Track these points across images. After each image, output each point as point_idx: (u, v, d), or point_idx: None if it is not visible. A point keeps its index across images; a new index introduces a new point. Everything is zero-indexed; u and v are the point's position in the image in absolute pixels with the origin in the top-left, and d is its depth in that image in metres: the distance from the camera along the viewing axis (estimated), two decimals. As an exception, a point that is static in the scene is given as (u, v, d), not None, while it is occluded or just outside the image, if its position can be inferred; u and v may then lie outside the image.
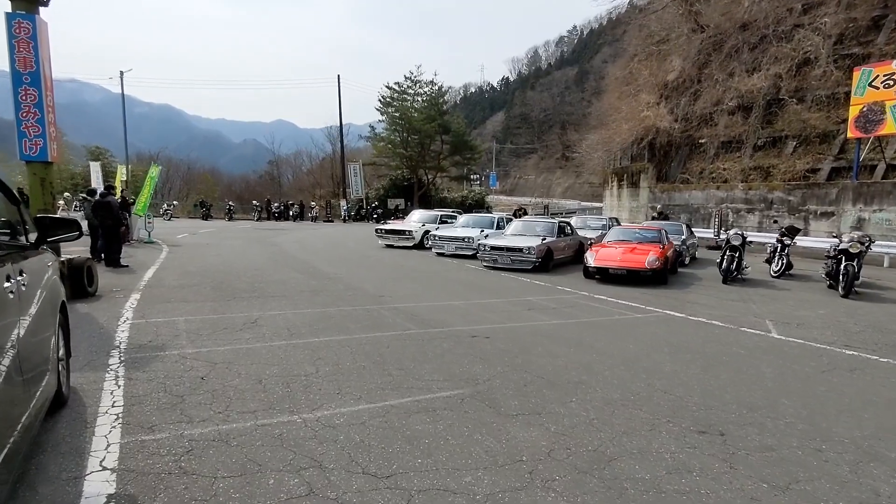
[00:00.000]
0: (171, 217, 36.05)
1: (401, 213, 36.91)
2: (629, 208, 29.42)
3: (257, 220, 37.14)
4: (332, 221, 38.63)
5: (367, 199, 43.26)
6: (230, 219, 37.13)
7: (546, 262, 13.31)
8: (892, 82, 17.87)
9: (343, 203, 41.32)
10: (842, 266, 10.54)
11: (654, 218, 21.44)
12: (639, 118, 29.76)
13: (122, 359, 5.26)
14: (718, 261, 12.53)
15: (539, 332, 6.89)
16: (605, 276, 11.74)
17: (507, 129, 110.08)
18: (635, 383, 4.89)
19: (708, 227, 22.53)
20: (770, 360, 5.89)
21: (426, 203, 41.30)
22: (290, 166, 72.77)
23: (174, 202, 42.30)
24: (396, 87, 45.58)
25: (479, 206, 43.93)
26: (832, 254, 11.26)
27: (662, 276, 11.52)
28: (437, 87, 46.30)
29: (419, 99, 45.95)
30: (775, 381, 5.11)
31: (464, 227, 17.89)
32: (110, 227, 12.47)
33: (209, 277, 10.83)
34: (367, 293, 9.47)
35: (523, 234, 14.55)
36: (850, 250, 10.47)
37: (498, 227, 17.25)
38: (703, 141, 27.39)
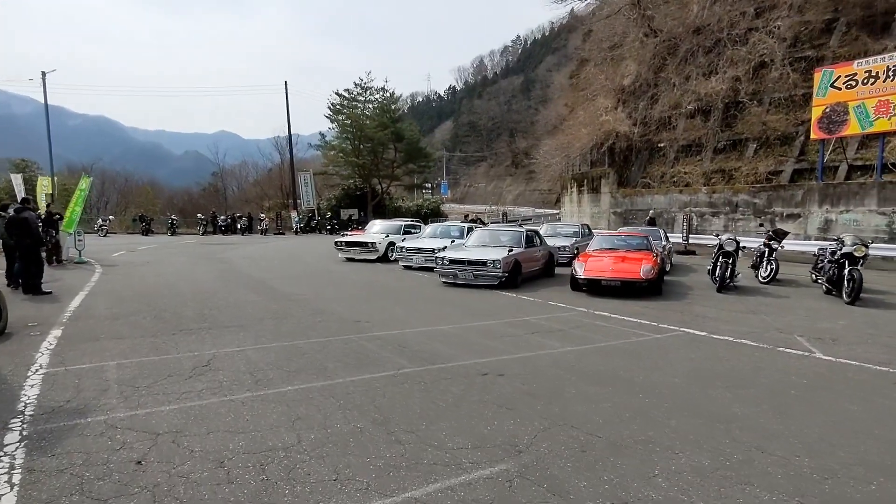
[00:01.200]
0: (107, 233, 33.24)
1: (356, 224, 35.40)
2: (590, 214, 28.90)
3: (203, 235, 34.80)
4: (283, 234, 36.72)
5: (318, 210, 41.49)
6: (173, 234, 34.73)
7: (514, 277, 11.75)
8: (853, 83, 17.84)
9: (294, 214, 39.43)
10: (846, 271, 9.93)
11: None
12: (597, 123, 29.41)
13: (24, 434, 3.82)
14: (710, 268, 11.85)
15: (559, 363, 5.77)
16: (594, 288, 10.78)
17: (455, 138, 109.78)
18: (717, 439, 3.81)
19: (672, 232, 22.12)
20: (843, 391, 4.96)
21: (381, 213, 39.96)
22: (235, 178, 70.00)
23: (110, 217, 39.25)
24: (346, 94, 44.07)
25: (435, 214, 42.79)
26: (831, 258, 10.66)
27: (657, 286, 10.68)
28: (388, 94, 45.04)
29: (370, 106, 44.61)
30: (877, 424, 4.14)
31: (431, 237, 16.63)
32: (28, 246, 10.66)
33: (149, 304, 9.25)
34: (340, 318, 8.15)
35: (486, 245, 12.95)
36: (855, 254, 9.85)
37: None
38: (662, 145, 27.20)
